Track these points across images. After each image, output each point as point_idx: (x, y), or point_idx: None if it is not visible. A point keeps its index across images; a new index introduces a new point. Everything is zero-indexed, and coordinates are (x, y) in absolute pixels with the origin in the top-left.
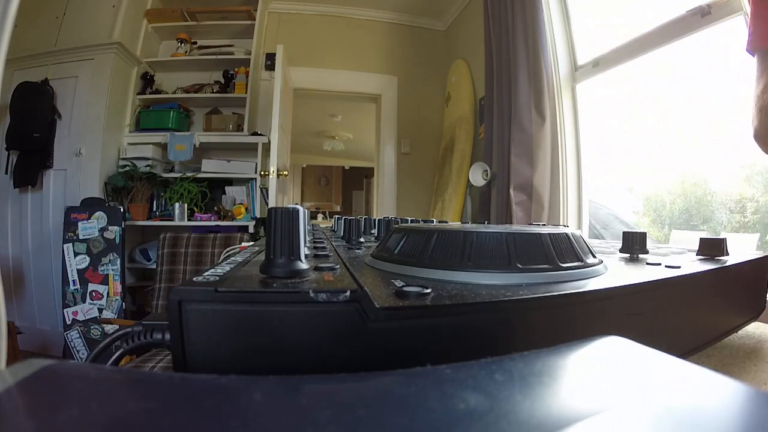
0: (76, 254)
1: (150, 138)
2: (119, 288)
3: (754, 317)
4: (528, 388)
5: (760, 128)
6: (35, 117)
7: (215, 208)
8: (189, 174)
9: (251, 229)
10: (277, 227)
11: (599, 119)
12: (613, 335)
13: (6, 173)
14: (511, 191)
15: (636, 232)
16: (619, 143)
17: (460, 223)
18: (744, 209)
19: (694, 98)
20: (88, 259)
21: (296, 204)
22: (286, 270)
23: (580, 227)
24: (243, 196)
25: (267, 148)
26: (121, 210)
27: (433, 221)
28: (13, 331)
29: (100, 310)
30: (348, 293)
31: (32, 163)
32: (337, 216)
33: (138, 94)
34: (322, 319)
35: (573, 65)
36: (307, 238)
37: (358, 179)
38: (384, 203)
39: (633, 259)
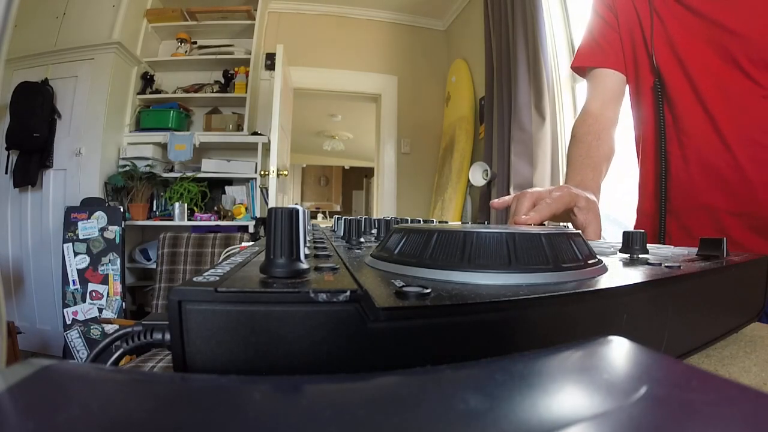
0: (76, 254)
1: (150, 138)
2: (119, 288)
3: (754, 317)
4: (528, 388)
5: None
6: (35, 117)
7: (215, 208)
8: (189, 174)
9: (251, 229)
10: (277, 227)
11: None
12: (613, 335)
13: (6, 173)
14: (512, 191)
15: (636, 232)
16: (621, 142)
17: (460, 223)
18: None
19: None
20: (88, 258)
21: (296, 204)
22: (286, 270)
23: None
24: (243, 196)
25: (267, 147)
26: (121, 210)
27: (433, 221)
28: (13, 331)
29: (100, 310)
30: (348, 293)
31: (32, 162)
32: (337, 216)
33: (138, 93)
34: (322, 319)
35: None
36: (308, 238)
37: (358, 179)
38: (384, 203)
39: (633, 259)
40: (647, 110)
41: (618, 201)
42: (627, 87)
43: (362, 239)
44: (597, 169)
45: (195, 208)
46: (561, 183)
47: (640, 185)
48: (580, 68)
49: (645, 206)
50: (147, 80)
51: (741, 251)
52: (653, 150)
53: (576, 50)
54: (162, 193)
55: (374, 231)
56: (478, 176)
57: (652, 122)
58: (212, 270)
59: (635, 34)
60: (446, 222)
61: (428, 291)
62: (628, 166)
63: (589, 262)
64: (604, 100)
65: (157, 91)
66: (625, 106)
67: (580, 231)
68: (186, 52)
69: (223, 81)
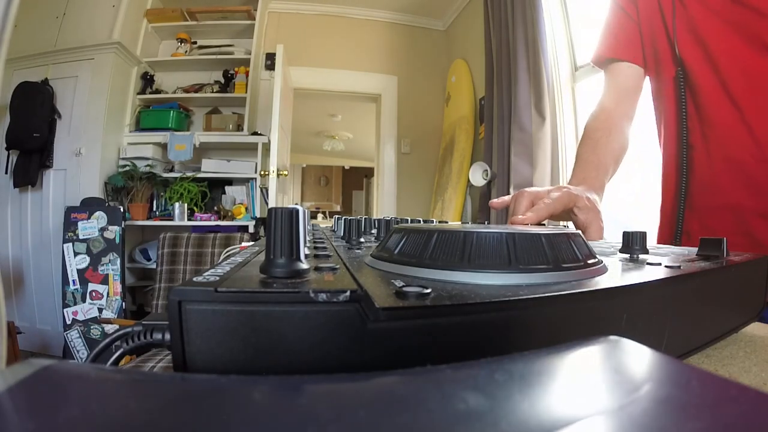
0: (76, 254)
1: (150, 138)
2: (119, 288)
3: (754, 317)
4: (528, 388)
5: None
6: (35, 117)
7: (215, 208)
8: (189, 174)
9: (251, 229)
10: (277, 227)
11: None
12: (613, 335)
13: (6, 173)
14: (511, 191)
15: (636, 232)
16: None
17: (460, 223)
18: None
19: None
20: (88, 258)
21: (296, 204)
22: (286, 270)
23: None
24: (243, 196)
25: (267, 147)
26: (121, 210)
27: (433, 221)
28: (13, 331)
29: (100, 310)
30: (348, 293)
31: (32, 162)
32: (337, 216)
33: (138, 93)
34: (322, 319)
35: (573, 65)
36: (308, 238)
37: (358, 179)
38: (384, 203)
39: (633, 260)
40: (669, 102)
41: (620, 201)
42: (646, 82)
43: (362, 239)
44: (602, 168)
45: (195, 208)
46: (562, 182)
47: (662, 183)
48: (600, 61)
49: (666, 205)
50: (147, 80)
51: None
52: (675, 144)
53: (596, 45)
54: (162, 193)
55: (374, 231)
56: (478, 176)
57: (674, 115)
58: (212, 270)
59: (656, 22)
60: (446, 222)
61: (428, 291)
62: (633, 167)
63: (589, 262)
64: (619, 94)
65: (157, 91)
66: (645, 103)
67: (580, 231)
68: (186, 52)
69: (223, 81)
